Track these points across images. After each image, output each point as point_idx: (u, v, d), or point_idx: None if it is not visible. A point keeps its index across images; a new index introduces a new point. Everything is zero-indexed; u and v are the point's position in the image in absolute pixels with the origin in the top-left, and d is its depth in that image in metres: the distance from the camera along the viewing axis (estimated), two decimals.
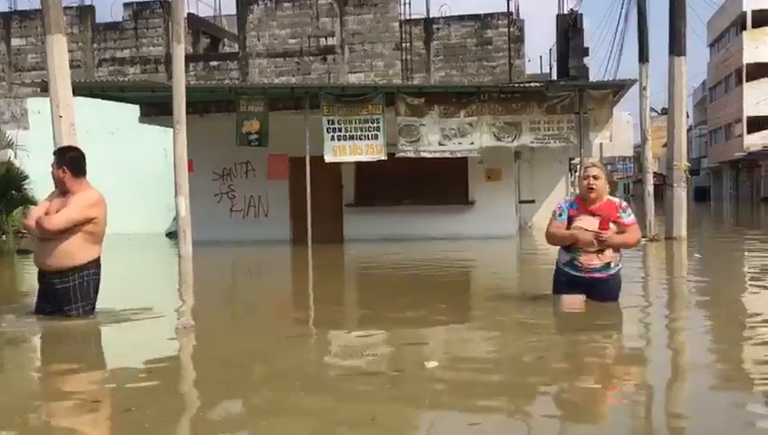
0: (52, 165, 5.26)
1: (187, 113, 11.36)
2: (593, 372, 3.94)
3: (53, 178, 5.28)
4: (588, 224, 5.25)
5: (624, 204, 5.49)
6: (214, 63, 20.73)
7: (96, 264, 5.33)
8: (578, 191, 5.60)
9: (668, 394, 3.57)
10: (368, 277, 9.37)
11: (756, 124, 43.28)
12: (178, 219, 11.35)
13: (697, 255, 11.02)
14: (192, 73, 19.33)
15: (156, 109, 14.71)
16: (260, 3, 20.50)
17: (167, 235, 17.57)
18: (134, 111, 15.45)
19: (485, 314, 5.75)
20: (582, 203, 5.35)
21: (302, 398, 3.41)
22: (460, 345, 4.55)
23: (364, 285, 8.75)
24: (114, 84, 15.50)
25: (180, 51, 11.22)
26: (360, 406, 3.29)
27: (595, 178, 5.26)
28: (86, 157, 5.42)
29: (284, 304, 7.19)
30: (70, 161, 5.23)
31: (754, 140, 42.92)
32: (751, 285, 7.76)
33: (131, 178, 18.46)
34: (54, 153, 5.38)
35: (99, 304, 5.45)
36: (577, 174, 4.81)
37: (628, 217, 5.36)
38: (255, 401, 3.46)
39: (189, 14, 19.50)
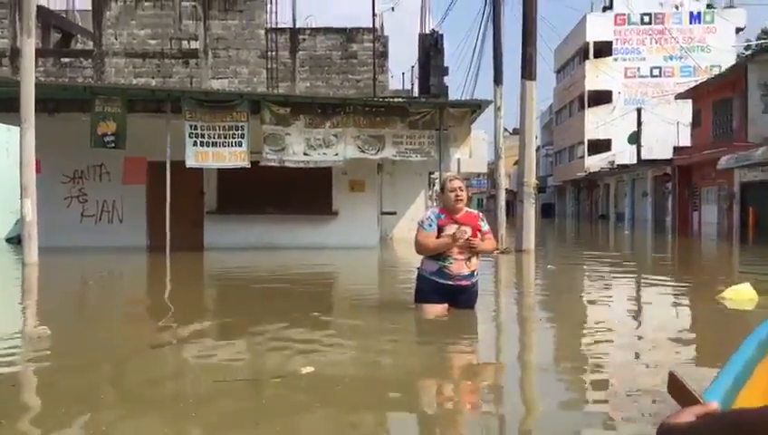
0: None
1: (36, 111, 10.70)
2: (455, 377, 4.17)
3: None
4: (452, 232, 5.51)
5: (481, 214, 5.87)
6: (66, 60, 19.56)
7: None
8: (438, 204, 5.83)
9: (521, 397, 3.84)
10: (229, 286, 9.22)
11: (596, 147, 46.99)
12: (23, 223, 10.61)
13: (550, 266, 11.77)
14: (41, 69, 18.11)
15: None
16: (118, 0, 19.61)
17: (7, 240, 16.32)
18: None
19: (353, 322, 5.86)
20: (447, 214, 5.58)
21: (180, 404, 3.37)
22: (331, 352, 4.62)
23: (226, 294, 8.60)
24: None
25: (30, 45, 10.55)
26: (243, 411, 3.29)
27: (460, 189, 5.56)
28: None
29: (144, 314, 6.94)
30: None
31: (594, 162, 46.57)
32: (589, 294, 8.46)
33: None
34: None
35: None
36: (435, 187, 5.05)
37: (486, 226, 5.72)
38: (128, 408, 3.36)
39: (39, 7, 18.29)
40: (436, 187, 5.79)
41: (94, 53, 19.67)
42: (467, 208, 5.72)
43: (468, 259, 5.53)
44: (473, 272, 5.62)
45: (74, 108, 13.53)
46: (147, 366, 4.26)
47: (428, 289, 5.61)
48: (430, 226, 5.52)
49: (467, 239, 5.41)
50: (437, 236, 5.48)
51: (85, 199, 14.87)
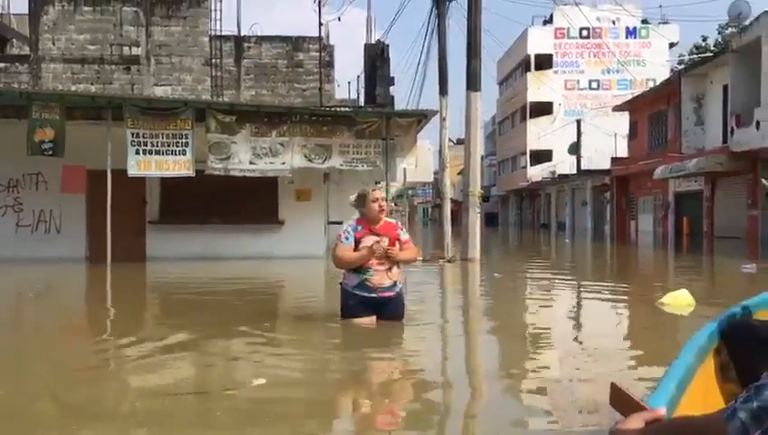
0: None
1: None
2: (394, 388, 4.18)
3: None
4: (370, 244, 5.41)
5: (400, 223, 5.87)
6: (0, 65, 18.91)
7: None
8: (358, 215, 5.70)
9: (461, 406, 3.88)
10: (173, 298, 9.04)
11: (537, 157, 47.99)
12: None
13: (496, 274, 11.89)
14: None
15: None
16: (56, 4, 19.09)
17: None
18: None
19: (301, 333, 5.82)
20: (366, 225, 5.50)
21: (131, 419, 3.29)
22: (281, 363, 4.57)
23: (170, 306, 8.42)
24: None
25: None
26: (195, 424, 3.25)
27: (383, 199, 5.54)
28: None
29: (85, 328, 6.74)
30: None
31: (536, 172, 47.53)
32: (532, 301, 8.62)
33: None
34: None
35: None
36: (351, 198, 4.98)
37: (406, 235, 5.68)
38: (76, 424, 3.26)
39: None
40: (352, 198, 5.55)
41: (31, 58, 19.07)
42: (386, 218, 5.66)
43: (389, 269, 5.47)
44: (395, 282, 5.55)
45: (10, 114, 13.10)
46: (92, 381, 4.13)
47: (353, 303, 5.50)
48: (347, 239, 5.42)
49: (386, 249, 5.36)
50: (355, 249, 5.41)
51: (21, 209, 14.36)
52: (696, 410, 1.89)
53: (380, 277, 5.43)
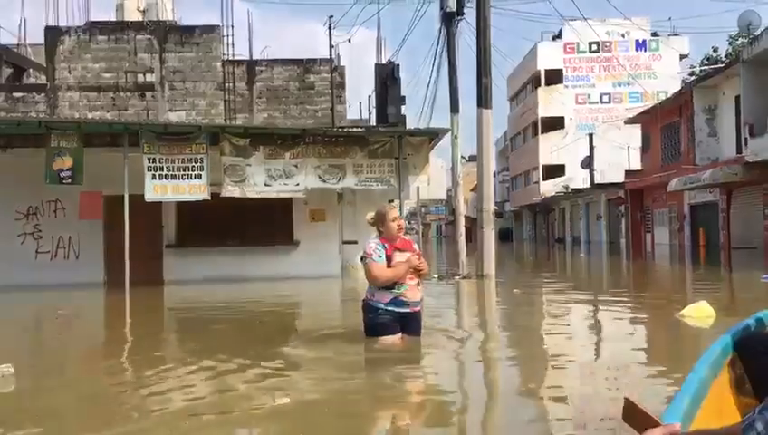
0: None
1: None
2: (421, 408, 4.20)
3: None
4: (404, 259, 5.51)
5: (412, 239, 5.99)
6: (18, 95, 19.24)
7: None
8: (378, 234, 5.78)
9: (482, 421, 3.89)
10: (194, 321, 9.10)
11: (550, 172, 47.90)
12: None
13: (516, 290, 11.85)
14: None
15: None
16: (72, 34, 19.44)
17: None
18: None
19: (322, 352, 5.84)
20: (388, 242, 5.55)
21: None
22: (304, 382, 4.61)
23: (191, 328, 8.47)
24: None
25: None
26: None
27: (399, 217, 5.66)
28: None
29: (109, 353, 6.81)
30: None
31: (549, 187, 47.42)
32: (554, 316, 8.60)
33: None
34: None
35: None
36: (368, 217, 5.03)
37: (419, 249, 5.86)
38: None
39: None
40: (370, 216, 5.61)
41: (47, 87, 19.40)
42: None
43: (417, 284, 5.58)
44: (422, 297, 5.70)
45: (28, 143, 13.31)
46: (117, 404, 4.19)
47: (384, 320, 5.51)
48: (380, 256, 5.47)
49: (419, 264, 5.46)
50: (388, 266, 5.47)
51: (40, 236, 14.54)
52: (711, 425, 1.89)
53: (413, 292, 5.53)
